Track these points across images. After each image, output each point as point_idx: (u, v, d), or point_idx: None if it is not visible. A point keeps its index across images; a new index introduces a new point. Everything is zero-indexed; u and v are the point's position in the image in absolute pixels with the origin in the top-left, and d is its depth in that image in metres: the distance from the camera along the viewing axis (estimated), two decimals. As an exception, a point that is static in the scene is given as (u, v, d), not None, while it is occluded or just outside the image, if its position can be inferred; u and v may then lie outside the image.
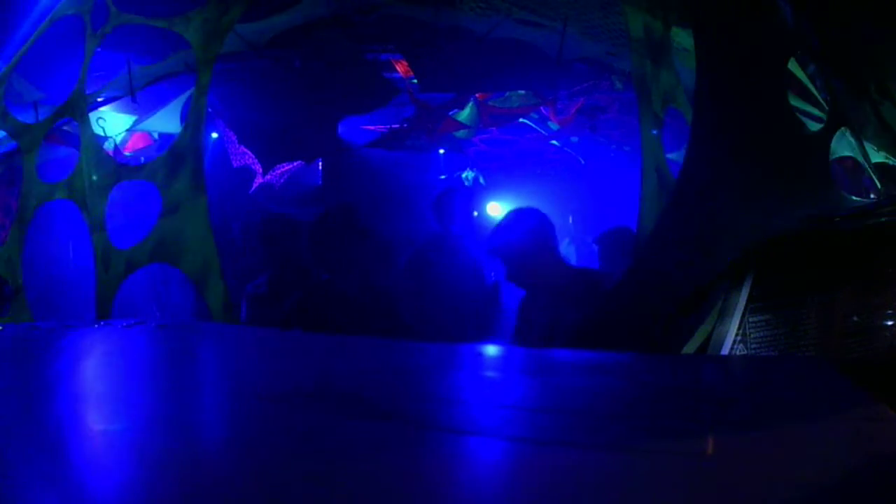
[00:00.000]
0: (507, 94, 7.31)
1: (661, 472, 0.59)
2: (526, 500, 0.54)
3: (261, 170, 7.17)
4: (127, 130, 6.55)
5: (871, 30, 2.82)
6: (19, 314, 3.56)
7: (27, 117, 4.67)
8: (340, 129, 7.13)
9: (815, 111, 3.60)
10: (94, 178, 3.60)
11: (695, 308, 1.32)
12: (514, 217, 3.18)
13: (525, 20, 5.11)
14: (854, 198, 2.69)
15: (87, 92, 3.92)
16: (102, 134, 5.73)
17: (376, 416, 0.74)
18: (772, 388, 0.89)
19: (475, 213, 4.62)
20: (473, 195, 4.30)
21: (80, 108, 3.79)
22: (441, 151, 8.33)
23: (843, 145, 3.04)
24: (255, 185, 7.20)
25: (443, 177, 8.51)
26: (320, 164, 7.82)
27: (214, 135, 6.81)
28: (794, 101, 3.36)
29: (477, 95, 7.12)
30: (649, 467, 0.61)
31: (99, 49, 3.87)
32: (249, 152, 7.00)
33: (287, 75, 5.84)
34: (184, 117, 5.02)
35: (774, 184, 2.52)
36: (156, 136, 6.94)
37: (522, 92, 7.18)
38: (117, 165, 3.96)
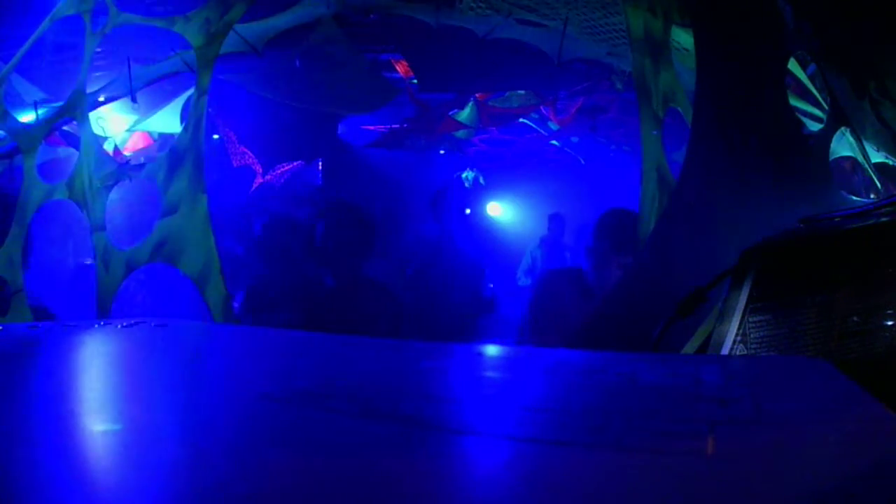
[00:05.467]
0: (507, 94, 7.32)
1: (661, 472, 0.59)
2: (526, 500, 0.54)
3: (261, 170, 7.18)
4: (127, 130, 6.55)
5: (871, 30, 2.82)
6: (19, 314, 3.56)
7: (27, 117, 4.67)
8: (340, 129, 7.14)
9: (815, 111, 3.60)
10: (94, 178, 3.60)
11: (695, 308, 1.32)
12: None
13: (525, 20, 5.11)
14: (854, 198, 2.69)
15: (87, 92, 3.92)
16: (102, 134, 5.73)
17: (377, 415, 0.74)
18: (772, 388, 0.88)
19: (467, 211, 4.65)
20: (468, 192, 4.34)
21: (81, 108, 3.79)
22: (441, 152, 8.35)
23: (843, 145, 3.04)
24: (254, 185, 7.22)
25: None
26: (320, 164, 7.83)
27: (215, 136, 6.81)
28: (794, 101, 3.36)
29: (477, 95, 7.12)
30: (649, 467, 0.60)
31: (99, 49, 3.87)
32: (249, 152, 7.01)
33: (287, 75, 5.84)
34: (184, 117, 5.02)
35: (774, 184, 2.52)
36: (156, 136, 6.95)
37: (522, 92, 7.19)
38: (117, 165, 3.96)
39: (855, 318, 1.14)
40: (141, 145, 6.98)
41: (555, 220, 7.42)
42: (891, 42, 2.83)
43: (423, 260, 4.04)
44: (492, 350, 1.21)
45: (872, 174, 3.06)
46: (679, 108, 3.41)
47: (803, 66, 3.65)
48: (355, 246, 3.25)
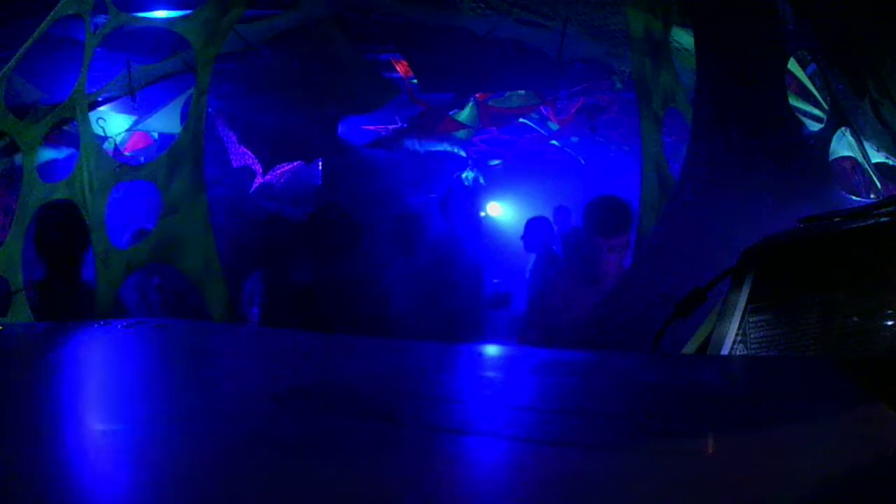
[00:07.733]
0: (507, 94, 7.32)
1: (661, 472, 0.59)
2: (526, 500, 0.54)
3: (261, 170, 7.17)
4: (127, 130, 6.55)
5: (871, 29, 2.82)
6: (19, 314, 3.56)
7: (27, 117, 4.65)
8: (340, 129, 7.13)
9: (815, 111, 3.60)
10: (94, 178, 3.59)
11: (694, 308, 1.32)
12: None
13: (525, 20, 5.11)
14: (854, 198, 2.69)
15: (88, 92, 3.91)
16: (102, 134, 5.72)
17: (376, 416, 0.74)
18: (772, 388, 0.88)
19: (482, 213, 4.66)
20: (478, 195, 4.35)
21: (81, 108, 3.78)
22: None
23: (843, 145, 3.04)
24: (254, 185, 7.21)
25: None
26: (320, 164, 7.82)
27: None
28: (794, 101, 3.36)
29: (477, 95, 7.12)
30: (649, 467, 0.60)
31: (99, 49, 3.87)
32: (249, 152, 7.01)
33: (287, 75, 5.84)
34: (184, 117, 5.02)
35: (774, 183, 2.52)
36: (156, 136, 6.94)
37: (522, 92, 7.19)
38: (117, 165, 3.95)
39: (855, 318, 1.14)
40: (141, 145, 6.98)
41: (560, 213, 7.45)
42: (891, 42, 2.83)
43: (429, 258, 4.04)
44: (492, 350, 1.21)
45: (872, 174, 3.06)
46: (679, 108, 3.42)
47: (803, 66, 3.65)
48: (343, 244, 3.43)
